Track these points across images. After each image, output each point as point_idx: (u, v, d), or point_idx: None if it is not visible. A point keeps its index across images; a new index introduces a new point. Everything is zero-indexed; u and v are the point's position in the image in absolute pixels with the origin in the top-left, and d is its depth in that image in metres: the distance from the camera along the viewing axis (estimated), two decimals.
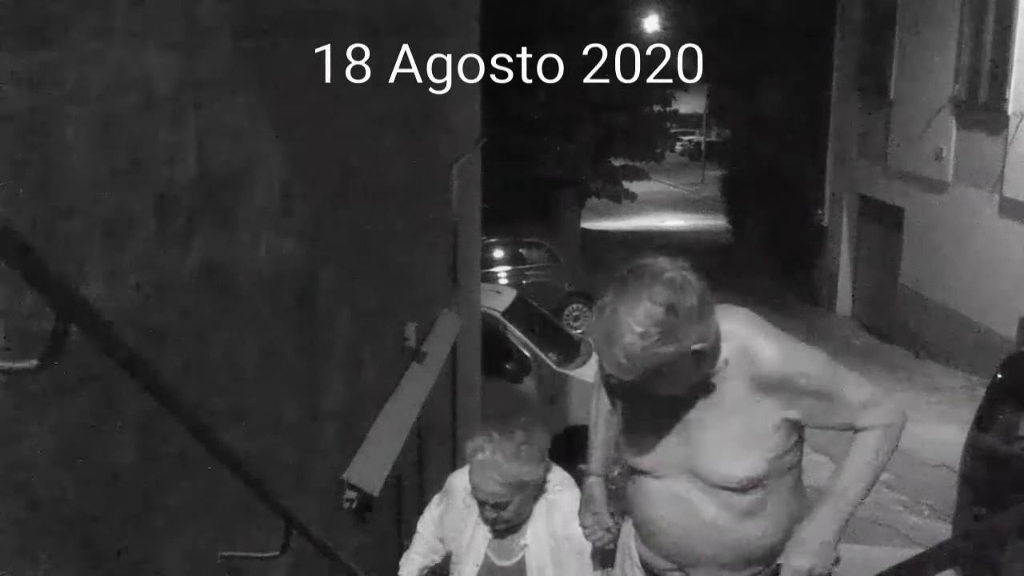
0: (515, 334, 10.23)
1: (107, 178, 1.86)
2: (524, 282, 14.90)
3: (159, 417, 1.71)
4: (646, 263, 1.94)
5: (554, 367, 10.16)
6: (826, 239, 16.22)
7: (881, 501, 8.32)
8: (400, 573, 2.96)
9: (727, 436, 2.03)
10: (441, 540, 2.96)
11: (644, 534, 2.24)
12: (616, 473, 2.43)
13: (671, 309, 1.86)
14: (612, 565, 2.48)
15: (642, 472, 2.17)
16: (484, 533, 2.82)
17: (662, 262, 1.94)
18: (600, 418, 2.48)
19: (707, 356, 1.96)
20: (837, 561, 2.03)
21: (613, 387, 2.33)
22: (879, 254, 14.57)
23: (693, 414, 2.05)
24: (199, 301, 2.36)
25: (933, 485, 8.58)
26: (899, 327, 13.51)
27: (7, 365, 1.23)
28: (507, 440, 2.64)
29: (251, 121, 2.68)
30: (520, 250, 16.15)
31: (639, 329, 1.84)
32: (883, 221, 14.30)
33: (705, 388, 2.02)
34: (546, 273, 15.82)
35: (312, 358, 3.33)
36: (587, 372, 9.55)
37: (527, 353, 10.20)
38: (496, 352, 9.81)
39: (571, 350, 10.74)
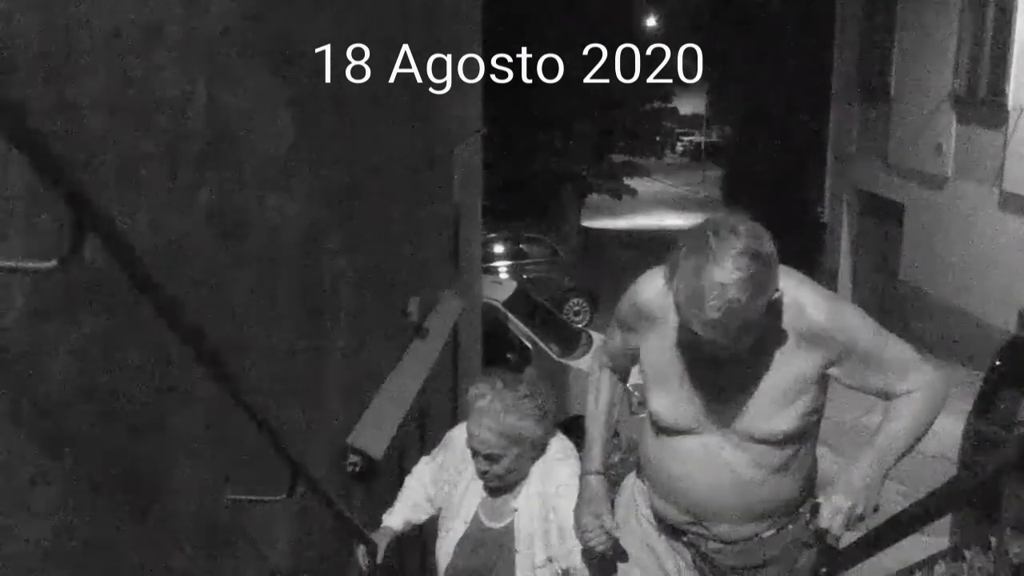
0: (516, 324, 10.26)
1: (120, 121, 1.90)
2: (525, 277, 14.94)
3: (171, 347, 1.74)
4: (717, 219, 1.90)
5: (555, 357, 10.19)
6: (826, 236, 16.26)
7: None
8: (384, 523, 2.88)
9: (770, 390, 2.01)
10: (430, 500, 2.88)
11: (665, 490, 2.20)
12: (617, 459, 2.37)
13: (757, 257, 1.83)
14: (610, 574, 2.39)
15: (677, 430, 2.13)
16: (477, 492, 2.74)
17: (728, 216, 1.91)
18: (600, 412, 2.41)
19: (772, 307, 1.93)
20: (876, 508, 2.02)
21: (655, 354, 2.18)
22: (879, 250, 14.61)
23: (733, 370, 2.01)
24: (205, 257, 2.39)
25: (931, 475, 8.60)
26: (899, 322, 13.55)
27: (28, 265, 1.26)
28: (509, 391, 2.59)
29: (258, 83, 2.72)
30: (521, 245, 16.21)
31: (730, 280, 1.80)
32: (883, 217, 14.34)
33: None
34: (547, 268, 15.87)
35: (316, 322, 3.37)
36: (588, 362, 9.57)
37: (528, 343, 10.23)
38: (497, 342, 9.84)
39: (572, 340, 10.76)
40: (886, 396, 2.06)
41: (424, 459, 2.99)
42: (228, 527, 2.49)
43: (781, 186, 18.68)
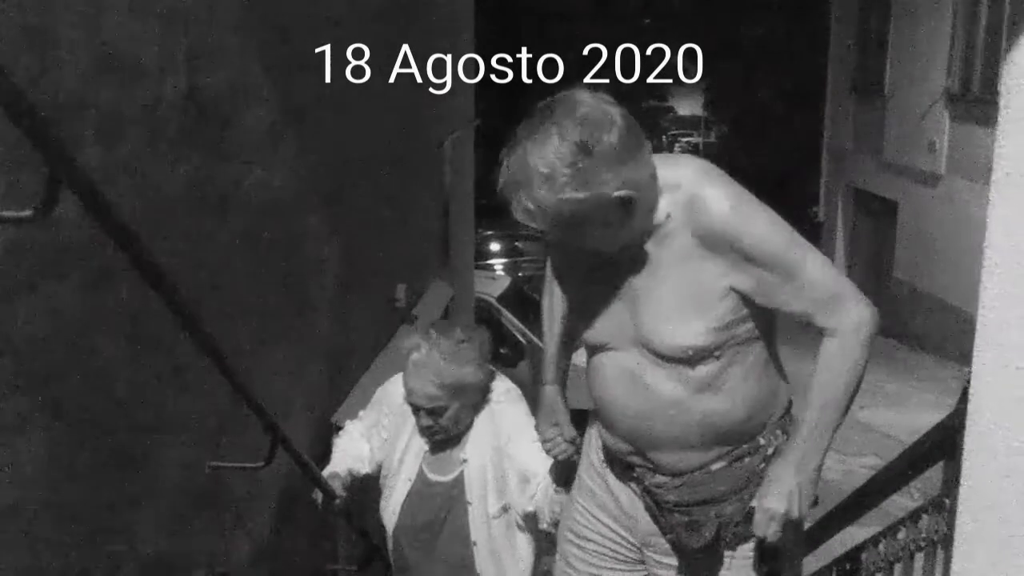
0: (509, 319, 10.29)
1: (99, 81, 1.95)
2: (520, 274, 14.98)
3: (149, 310, 1.80)
4: (563, 95, 1.72)
5: None
6: (821, 234, 16.30)
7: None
8: (327, 471, 2.69)
9: (670, 300, 1.82)
10: (367, 457, 2.72)
11: (603, 418, 2.05)
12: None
13: (583, 148, 1.65)
14: (569, 484, 2.26)
15: (596, 347, 1.98)
16: (419, 446, 2.62)
17: (581, 94, 1.72)
18: (554, 323, 2.23)
19: (639, 207, 1.74)
20: (815, 503, 1.84)
21: (559, 263, 2.11)
22: (873, 247, 14.67)
23: (638, 278, 1.85)
24: (187, 225, 2.44)
25: None
26: (893, 319, 13.59)
27: (3, 214, 1.31)
28: (446, 339, 2.47)
29: (244, 60, 2.77)
30: (516, 243, 16.26)
31: (545, 171, 1.65)
32: (877, 214, 14.40)
33: (648, 247, 1.82)
34: (543, 266, 15.86)
35: (301, 303, 3.42)
36: (581, 357, 9.58)
37: (521, 338, 10.25)
38: (491, 336, 9.84)
39: None
40: (809, 323, 1.81)
41: (353, 423, 2.86)
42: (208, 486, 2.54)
43: (776, 184, 18.71)
